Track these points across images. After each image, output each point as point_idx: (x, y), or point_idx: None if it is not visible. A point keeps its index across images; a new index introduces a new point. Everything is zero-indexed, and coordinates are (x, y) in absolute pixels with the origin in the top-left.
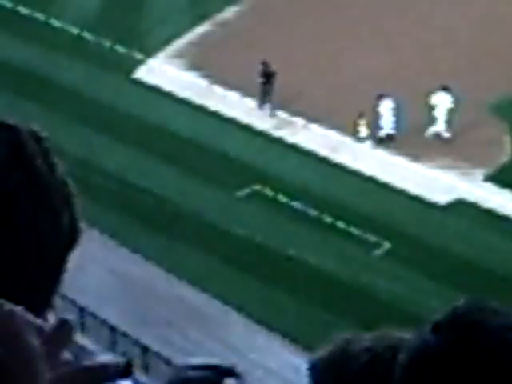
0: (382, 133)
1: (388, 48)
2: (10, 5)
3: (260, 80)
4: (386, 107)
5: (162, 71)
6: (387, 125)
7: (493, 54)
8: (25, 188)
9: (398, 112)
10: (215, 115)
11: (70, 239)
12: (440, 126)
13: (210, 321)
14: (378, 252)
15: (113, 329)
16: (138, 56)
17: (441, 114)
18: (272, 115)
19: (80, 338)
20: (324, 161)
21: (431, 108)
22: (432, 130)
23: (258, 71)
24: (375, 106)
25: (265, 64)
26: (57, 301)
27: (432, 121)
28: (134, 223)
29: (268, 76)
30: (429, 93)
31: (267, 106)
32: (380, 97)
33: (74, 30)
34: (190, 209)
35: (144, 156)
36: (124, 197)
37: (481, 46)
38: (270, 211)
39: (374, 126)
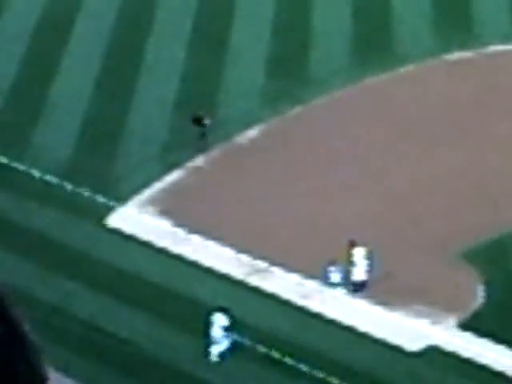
0: (355, 279)
1: (357, 196)
2: None
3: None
4: (359, 254)
5: (134, 218)
6: (360, 271)
7: (463, 201)
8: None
9: (370, 259)
10: (179, 258)
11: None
12: None
13: None
14: None
15: None
16: (110, 203)
17: None
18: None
19: None
20: (295, 307)
21: None
22: None
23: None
24: (348, 253)
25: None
26: None
27: None
28: (107, 370)
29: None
30: None
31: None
32: (352, 244)
33: (45, 177)
34: (163, 357)
35: (116, 303)
36: (97, 344)
37: (451, 193)
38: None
39: (347, 272)
